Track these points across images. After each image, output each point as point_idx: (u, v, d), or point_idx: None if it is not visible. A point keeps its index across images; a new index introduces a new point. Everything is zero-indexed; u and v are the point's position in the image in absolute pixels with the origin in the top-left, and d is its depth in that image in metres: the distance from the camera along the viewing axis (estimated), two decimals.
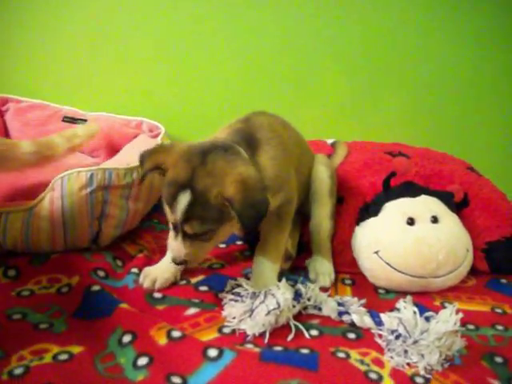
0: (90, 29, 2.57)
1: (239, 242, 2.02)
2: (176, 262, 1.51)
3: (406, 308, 1.39)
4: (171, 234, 1.52)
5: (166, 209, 1.47)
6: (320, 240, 1.88)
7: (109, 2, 2.55)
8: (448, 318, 1.34)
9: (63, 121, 2.46)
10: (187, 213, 1.41)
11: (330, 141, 2.36)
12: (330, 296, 1.59)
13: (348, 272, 1.87)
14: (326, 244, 1.88)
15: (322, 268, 1.82)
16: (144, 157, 1.56)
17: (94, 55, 2.59)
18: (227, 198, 1.39)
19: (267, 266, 1.64)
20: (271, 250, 1.66)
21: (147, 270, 1.70)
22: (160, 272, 1.68)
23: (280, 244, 1.69)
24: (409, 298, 1.43)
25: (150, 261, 1.81)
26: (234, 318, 1.46)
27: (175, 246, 1.49)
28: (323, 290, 1.67)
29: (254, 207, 1.40)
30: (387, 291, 1.76)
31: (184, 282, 1.71)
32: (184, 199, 1.40)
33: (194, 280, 1.73)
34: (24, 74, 2.62)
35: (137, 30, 2.57)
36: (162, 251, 1.79)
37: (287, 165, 1.69)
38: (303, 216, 1.93)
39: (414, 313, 1.37)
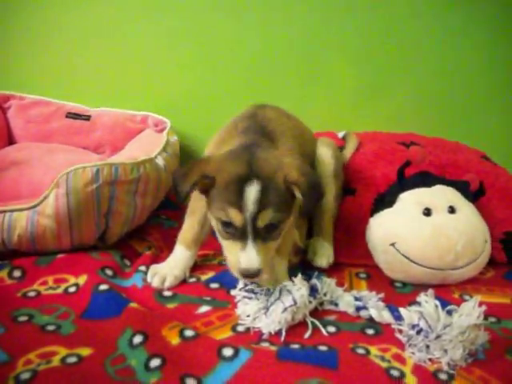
0: (94, 24, 2.53)
1: None
2: (249, 274, 1.38)
3: (428, 302, 1.34)
4: (233, 245, 1.42)
5: (230, 212, 1.39)
6: (322, 221, 1.87)
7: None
8: (471, 311, 1.30)
9: (67, 117, 2.42)
10: (260, 202, 1.37)
11: (340, 134, 2.31)
12: (345, 291, 1.55)
13: (363, 265, 1.83)
14: (327, 226, 1.86)
15: (321, 249, 1.81)
16: (184, 173, 1.47)
17: (96, 50, 2.56)
18: (294, 182, 1.41)
19: (277, 261, 1.60)
20: (280, 245, 1.61)
21: (155, 268, 1.66)
22: (169, 270, 1.64)
23: (289, 239, 1.66)
24: (430, 291, 1.38)
25: (157, 258, 1.78)
26: (248, 315, 1.42)
27: (247, 254, 1.38)
28: (320, 270, 1.73)
29: (315, 188, 1.44)
30: (404, 285, 1.72)
31: (194, 279, 1.67)
32: (254, 189, 1.37)
33: (204, 277, 1.69)
34: (26, 71, 2.59)
35: (141, 25, 2.53)
36: (169, 248, 1.76)
37: (300, 153, 1.69)
38: None
39: (436, 306, 1.33)
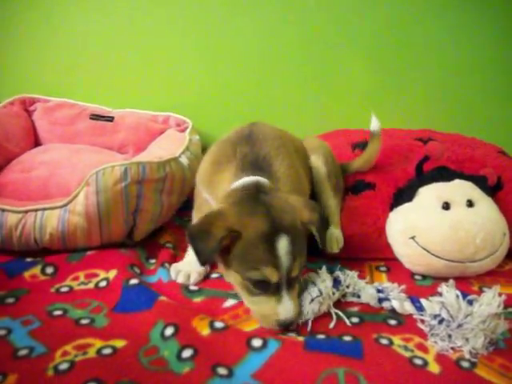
0: (115, 26, 2.57)
1: None
2: (287, 323, 1.38)
3: (449, 292, 1.37)
4: (265, 300, 1.40)
5: (266, 271, 1.36)
6: (327, 215, 1.89)
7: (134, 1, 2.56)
8: (491, 301, 1.33)
9: (91, 118, 2.47)
10: (292, 255, 1.37)
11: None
12: (367, 283, 1.58)
13: (383, 258, 1.86)
14: (333, 215, 1.89)
15: (330, 235, 1.84)
16: (204, 230, 1.39)
17: (119, 52, 2.60)
18: (309, 222, 1.44)
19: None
20: None
21: (177, 266, 1.70)
22: (192, 267, 1.67)
23: None
24: (451, 281, 1.41)
25: (178, 258, 1.82)
26: None
27: (284, 307, 1.38)
28: (332, 255, 1.78)
29: (324, 221, 1.50)
30: (424, 277, 1.75)
31: (217, 274, 1.71)
32: (285, 245, 1.36)
33: None
34: (50, 74, 2.64)
35: (162, 26, 2.57)
36: None
37: (298, 167, 1.74)
38: None
39: (457, 296, 1.36)
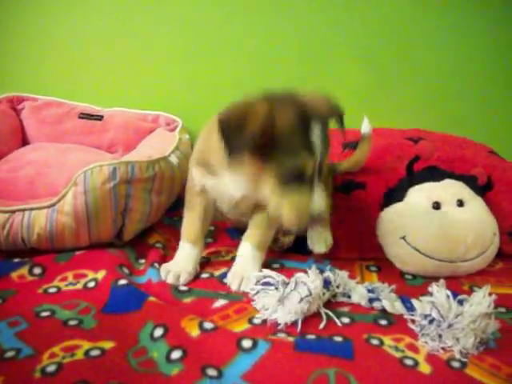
0: (104, 25, 2.56)
1: None
2: (317, 216, 1.41)
3: (439, 292, 1.37)
4: (296, 193, 1.39)
5: (303, 159, 1.36)
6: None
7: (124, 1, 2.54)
8: (481, 300, 1.33)
9: (80, 117, 2.45)
10: (324, 143, 1.37)
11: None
12: (357, 283, 1.58)
13: (373, 258, 1.86)
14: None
15: (318, 236, 1.83)
16: (238, 122, 1.33)
17: (108, 51, 2.58)
18: (331, 111, 1.46)
19: (252, 253, 1.66)
20: (260, 240, 1.68)
21: (167, 266, 1.69)
22: (182, 267, 1.66)
23: (268, 236, 1.71)
24: (441, 281, 1.41)
25: (167, 257, 1.81)
26: (267, 309, 1.43)
27: (317, 199, 1.39)
28: (321, 255, 1.79)
29: (342, 116, 1.52)
30: (414, 277, 1.76)
31: (207, 275, 1.71)
32: (318, 131, 1.35)
33: (217, 273, 1.72)
34: (39, 72, 2.62)
35: (151, 25, 2.56)
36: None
37: None
38: None
39: (447, 296, 1.35)
